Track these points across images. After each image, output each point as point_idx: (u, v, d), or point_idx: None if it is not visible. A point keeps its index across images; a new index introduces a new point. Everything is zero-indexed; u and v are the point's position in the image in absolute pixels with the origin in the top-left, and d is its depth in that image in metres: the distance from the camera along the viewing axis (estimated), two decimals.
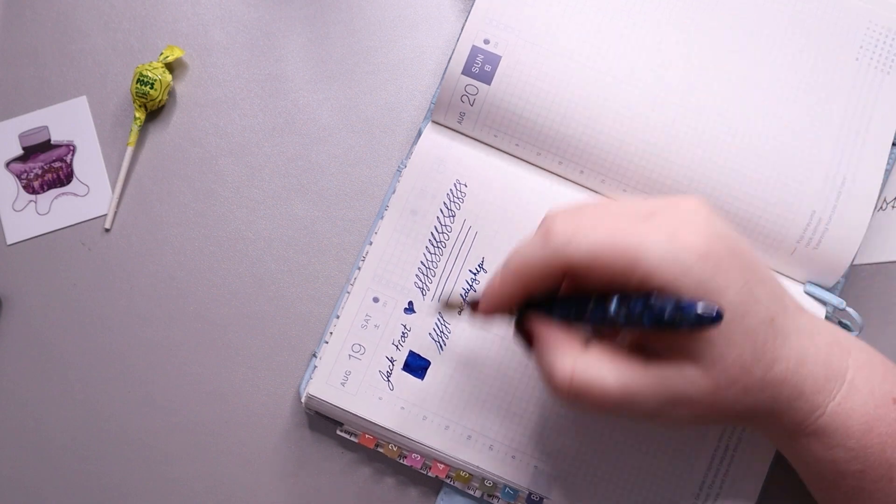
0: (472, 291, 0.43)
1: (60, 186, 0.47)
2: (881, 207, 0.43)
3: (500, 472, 0.42)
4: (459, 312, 0.39)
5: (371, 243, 0.44)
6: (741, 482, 0.42)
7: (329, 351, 0.43)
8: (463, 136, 0.44)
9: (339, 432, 0.44)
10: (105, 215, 0.46)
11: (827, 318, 0.42)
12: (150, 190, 0.47)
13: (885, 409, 0.34)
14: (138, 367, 0.45)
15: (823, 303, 0.42)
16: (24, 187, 0.47)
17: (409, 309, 0.43)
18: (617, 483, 0.42)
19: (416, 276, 0.43)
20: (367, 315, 0.43)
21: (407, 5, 0.47)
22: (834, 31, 0.43)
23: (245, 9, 0.48)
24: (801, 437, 0.35)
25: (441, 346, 0.43)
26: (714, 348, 0.31)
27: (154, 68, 0.46)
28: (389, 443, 0.43)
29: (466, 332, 0.43)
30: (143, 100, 0.46)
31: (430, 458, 0.42)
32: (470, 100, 0.43)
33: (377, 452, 0.43)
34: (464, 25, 0.43)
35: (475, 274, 0.43)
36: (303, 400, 0.43)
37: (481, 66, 0.43)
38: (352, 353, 0.43)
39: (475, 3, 0.43)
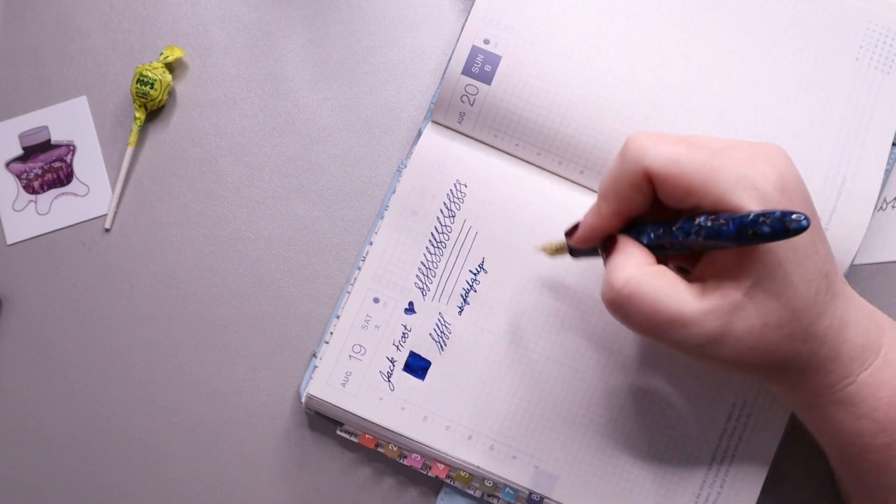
0: (472, 292, 0.43)
1: (60, 186, 0.47)
2: (881, 207, 0.43)
3: (501, 472, 0.42)
4: (554, 252, 0.38)
5: (371, 243, 0.44)
6: (742, 482, 0.42)
7: (329, 351, 0.43)
8: (463, 136, 0.44)
9: (339, 432, 0.44)
10: (105, 215, 0.46)
11: None
12: (150, 190, 0.47)
13: None
14: (138, 367, 0.45)
15: None
16: (24, 187, 0.47)
17: (410, 309, 0.43)
18: (618, 483, 0.42)
19: (417, 276, 0.43)
20: (367, 315, 0.43)
21: (407, 5, 0.47)
22: (834, 31, 0.43)
23: (245, 9, 0.48)
24: (829, 404, 0.35)
25: (441, 347, 0.43)
26: (772, 285, 0.32)
27: (154, 68, 0.46)
28: (389, 443, 0.43)
29: (467, 332, 0.43)
30: (143, 100, 0.46)
31: (431, 458, 0.42)
32: (470, 100, 0.43)
33: (377, 452, 0.43)
34: (464, 25, 0.43)
35: (475, 274, 0.43)
36: (303, 400, 0.43)
37: (481, 66, 0.43)
38: (352, 354, 0.43)
39: (475, 3, 0.43)
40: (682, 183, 0.32)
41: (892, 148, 0.42)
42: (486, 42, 0.43)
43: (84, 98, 0.47)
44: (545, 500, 0.42)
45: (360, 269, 0.43)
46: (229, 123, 0.47)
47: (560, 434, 0.42)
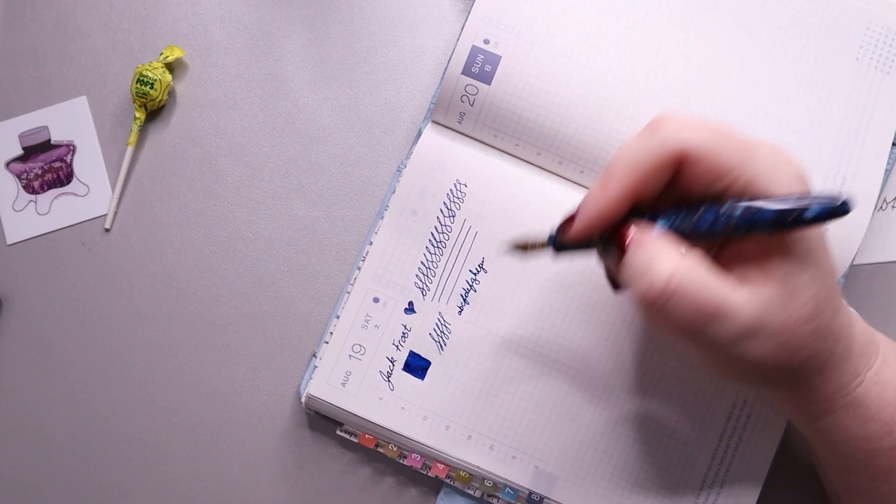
0: (472, 292, 0.43)
1: (60, 186, 0.47)
2: (881, 207, 0.43)
3: (501, 472, 0.42)
4: (530, 249, 0.36)
5: (371, 243, 0.44)
6: (742, 482, 0.42)
7: (329, 351, 0.43)
8: (463, 136, 0.44)
9: (339, 432, 0.44)
10: (105, 215, 0.46)
11: None
12: (150, 190, 0.47)
13: None
14: (138, 367, 0.45)
15: None
16: (24, 187, 0.47)
17: (410, 309, 0.43)
18: (617, 483, 0.42)
19: (417, 276, 0.43)
20: (367, 315, 0.43)
21: (407, 5, 0.47)
22: (834, 31, 0.43)
23: (245, 9, 0.48)
24: (839, 409, 0.34)
25: (441, 347, 0.43)
26: (803, 275, 0.31)
27: (154, 68, 0.46)
28: (389, 443, 0.43)
29: (467, 332, 0.43)
30: (143, 100, 0.46)
31: (431, 458, 0.42)
32: (470, 100, 0.43)
33: (377, 452, 0.43)
34: (464, 25, 0.43)
35: (475, 274, 0.43)
36: (303, 400, 0.43)
37: (481, 66, 0.43)
38: (352, 354, 0.43)
39: (475, 3, 0.43)
40: (717, 165, 0.31)
41: (891, 148, 0.42)
42: (486, 42, 0.43)
43: (84, 98, 0.47)
44: (545, 500, 0.42)
45: (360, 269, 0.43)
46: (229, 123, 0.47)
47: (560, 434, 0.42)
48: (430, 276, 0.43)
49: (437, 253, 0.43)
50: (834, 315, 0.32)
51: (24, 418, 0.45)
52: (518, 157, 0.44)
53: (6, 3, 0.48)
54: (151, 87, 0.46)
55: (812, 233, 0.31)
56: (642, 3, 0.43)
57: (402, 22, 0.47)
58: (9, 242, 0.46)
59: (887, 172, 0.42)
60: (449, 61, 0.43)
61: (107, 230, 0.46)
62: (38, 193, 0.47)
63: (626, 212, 0.33)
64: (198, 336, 0.45)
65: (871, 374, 0.34)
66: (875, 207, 0.42)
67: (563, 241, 0.34)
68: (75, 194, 0.47)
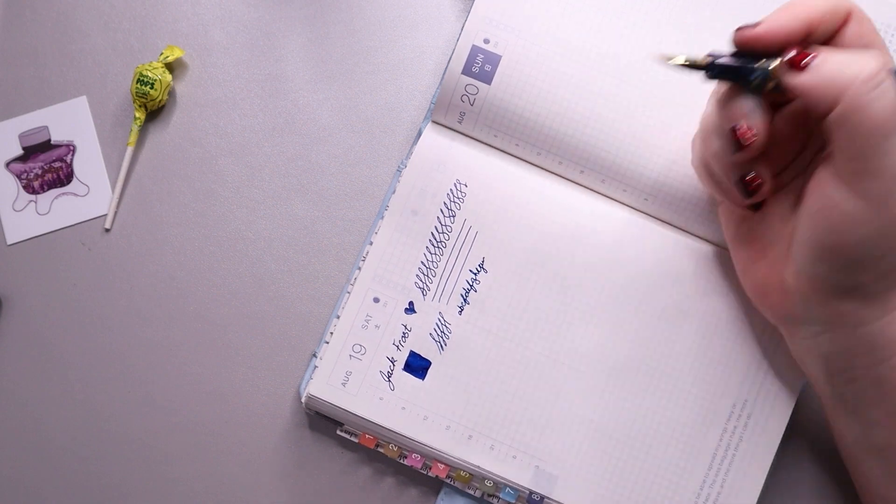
0: (472, 291, 0.43)
1: (60, 186, 0.47)
2: None
3: (501, 472, 0.42)
4: (684, 64, 0.35)
5: (371, 243, 0.44)
6: (742, 482, 0.42)
7: (329, 351, 0.43)
8: (463, 136, 0.44)
9: (339, 432, 0.44)
10: (105, 215, 0.46)
11: None
12: (150, 190, 0.47)
13: None
14: (138, 367, 0.45)
15: None
16: (24, 187, 0.47)
17: (410, 309, 0.43)
18: (618, 483, 0.42)
19: (417, 276, 0.43)
20: (367, 315, 0.43)
21: (407, 5, 0.47)
22: None
23: (245, 9, 0.48)
24: None
25: (442, 347, 0.43)
26: None
27: (154, 68, 0.46)
28: (390, 443, 0.43)
29: (467, 331, 0.43)
30: (143, 100, 0.46)
31: (431, 458, 0.42)
32: (470, 99, 0.43)
33: (377, 452, 0.43)
34: (464, 25, 0.43)
35: (475, 274, 0.43)
36: (303, 400, 0.43)
37: (481, 66, 0.43)
38: (352, 354, 0.43)
39: (475, 3, 0.43)
40: (867, 33, 0.34)
41: None
42: (486, 42, 0.43)
43: (84, 98, 0.47)
44: (545, 499, 0.42)
45: (360, 269, 0.43)
46: (229, 123, 0.47)
47: (560, 434, 0.42)
48: (430, 275, 0.43)
49: (438, 253, 0.43)
50: None
51: (24, 418, 0.45)
52: (518, 157, 0.44)
53: (6, 3, 0.48)
54: (151, 87, 0.46)
55: None
56: (642, 3, 0.43)
57: (402, 22, 0.47)
58: (9, 242, 0.46)
59: None
60: (449, 61, 0.43)
61: (107, 230, 0.46)
62: (38, 193, 0.47)
63: (799, 39, 0.33)
64: (198, 336, 0.45)
65: None
66: None
67: (742, 38, 0.34)
68: (75, 194, 0.47)
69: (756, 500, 0.42)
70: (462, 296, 0.43)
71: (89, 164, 0.47)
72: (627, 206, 0.43)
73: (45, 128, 0.47)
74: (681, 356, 0.42)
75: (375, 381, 0.42)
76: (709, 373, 0.42)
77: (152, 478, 0.45)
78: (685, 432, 0.42)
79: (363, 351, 0.43)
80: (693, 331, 0.42)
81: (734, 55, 0.34)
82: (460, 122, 0.44)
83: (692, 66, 0.34)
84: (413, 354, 0.43)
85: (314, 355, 0.44)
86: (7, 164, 0.47)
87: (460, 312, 0.43)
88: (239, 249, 0.46)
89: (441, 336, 0.43)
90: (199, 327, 0.45)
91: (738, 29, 0.34)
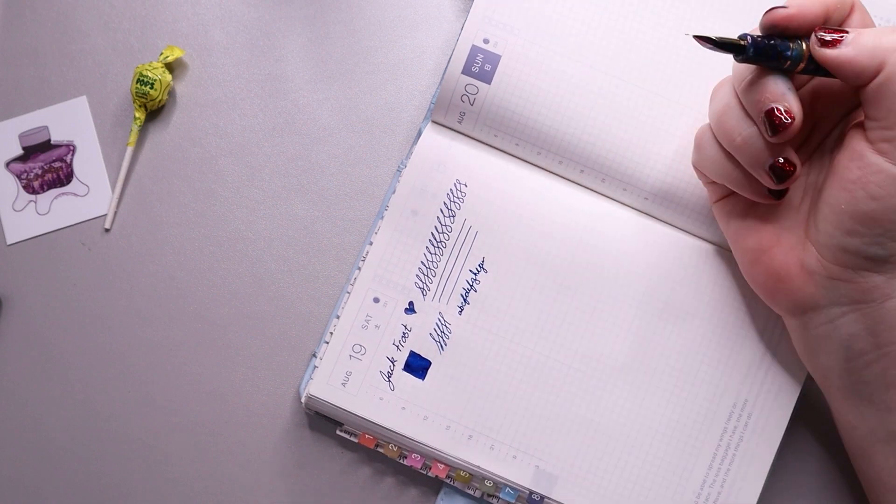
0: (472, 291, 0.43)
1: (60, 186, 0.47)
2: None
3: (501, 472, 0.42)
4: (717, 44, 0.34)
5: (371, 243, 0.44)
6: (743, 482, 0.42)
7: (329, 351, 0.43)
8: (463, 136, 0.44)
9: (339, 432, 0.44)
10: (105, 215, 0.46)
11: None
12: (150, 190, 0.47)
13: None
14: (138, 367, 0.45)
15: None
16: (24, 187, 0.47)
17: (410, 309, 0.43)
18: (618, 482, 0.42)
19: (417, 276, 0.43)
20: (367, 315, 0.43)
21: (407, 5, 0.47)
22: None
23: (245, 9, 0.48)
24: None
25: (442, 347, 0.43)
26: None
27: (154, 68, 0.46)
28: (390, 443, 0.43)
29: (467, 331, 0.43)
30: (143, 100, 0.46)
31: (431, 458, 0.42)
32: (470, 99, 0.43)
33: (377, 452, 0.43)
34: (463, 25, 0.43)
35: (475, 273, 0.43)
36: (303, 400, 0.43)
37: (481, 66, 0.43)
38: (352, 354, 0.43)
39: (475, 3, 0.43)
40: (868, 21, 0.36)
41: None
42: (486, 41, 0.43)
43: (84, 98, 0.47)
44: (545, 499, 0.42)
45: (360, 269, 0.43)
46: (229, 123, 0.47)
47: (560, 434, 0.42)
48: (430, 275, 0.43)
49: (438, 253, 0.43)
50: None
51: (24, 418, 0.45)
52: (518, 157, 0.44)
53: (6, 3, 0.48)
54: (151, 87, 0.46)
55: None
56: (643, 3, 0.43)
57: (402, 22, 0.47)
58: (9, 242, 0.46)
59: None
60: (449, 61, 0.43)
61: (107, 230, 0.46)
62: (38, 193, 0.47)
63: (821, 23, 0.34)
64: (198, 336, 0.45)
65: None
66: None
67: (774, 18, 0.34)
68: (75, 194, 0.47)
69: (756, 499, 0.41)
70: (462, 296, 0.43)
71: (89, 164, 0.47)
72: (627, 205, 0.43)
73: (45, 128, 0.47)
74: (681, 356, 0.42)
75: (375, 381, 0.42)
76: (709, 372, 0.42)
77: (152, 478, 0.45)
78: (685, 432, 0.42)
79: (363, 351, 0.43)
80: (693, 330, 0.42)
81: (762, 38, 0.35)
82: (460, 122, 0.44)
83: (727, 46, 0.34)
84: (413, 354, 0.43)
85: (314, 355, 0.44)
86: (7, 164, 0.47)
87: (460, 312, 0.43)
88: (239, 249, 0.46)
89: (441, 336, 0.43)
90: (199, 327, 0.45)
91: (770, 10, 0.34)
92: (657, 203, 0.43)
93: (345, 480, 0.44)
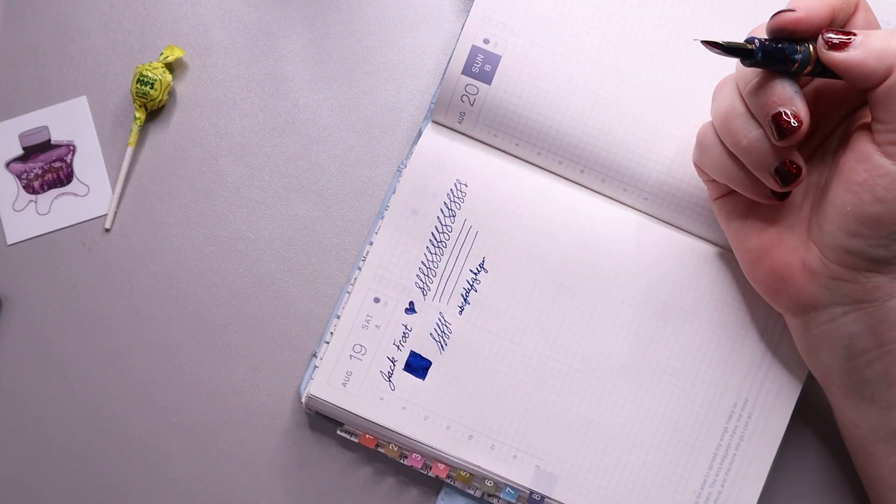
0: (472, 291, 0.43)
1: (60, 186, 0.47)
2: None
3: (502, 472, 0.42)
4: (724, 48, 0.34)
5: (371, 243, 0.44)
6: (743, 481, 0.42)
7: (330, 351, 0.43)
8: (463, 136, 0.44)
9: (339, 432, 0.44)
10: (105, 215, 0.46)
11: None
12: (150, 190, 0.47)
13: None
14: (138, 367, 0.45)
15: None
16: (24, 187, 0.47)
17: (410, 309, 0.43)
18: (618, 482, 0.42)
19: (417, 275, 0.43)
20: (367, 315, 0.43)
21: (407, 5, 0.47)
22: None
23: (245, 9, 0.48)
24: None
25: (442, 347, 0.43)
26: None
27: (154, 68, 0.46)
28: (390, 443, 0.43)
29: (467, 331, 0.43)
30: (143, 100, 0.46)
31: (431, 457, 0.42)
32: (470, 99, 0.43)
33: (377, 452, 0.43)
34: (463, 25, 0.43)
35: (476, 273, 0.43)
36: (303, 400, 0.43)
37: (481, 66, 0.43)
38: (353, 354, 0.43)
39: (475, 3, 0.43)
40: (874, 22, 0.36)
41: None
42: (486, 42, 0.43)
43: (84, 98, 0.47)
44: (546, 499, 0.42)
45: (360, 269, 0.43)
46: (229, 123, 0.47)
47: (561, 433, 0.42)
48: (430, 275, 0.43)
49: (438, 253, 0.43)
50: None
51: (24, 418, 0.45)
52: (518, 157, 0.44)
53: (6, 3, 0.48)
54: (151, 87, 0.45)
55: None
56: (643, 4, 0.43)
57: (402, 22, 0.47)
58: (9, 242, 0.46)
59: None
60: (449, 61, 0.43)
61: (107, 230, 0.46)
62: (38, 193, 0.47)
63: (827, 25, 0.34)
64: (198, 336, 0.45)
65: None
66: None
67: (781, 22, 0.34)
68: (75, 194, 0.47)
69: (757, 499, 0.42)
70: (462, 296, 0.43)
71: (89, 164, 0.47)
72: (628, 206, 0.44)
73: (45, 128, 0.47)
74: (681, 356, 0.42)
75: (376, 381, 0.42)
76: (709, 372, 0.42)
77: (152, 478, 0.45)
78: (686, 432, 0.42)
79: (363, 351, 0.43)
80: (693, 330, 0.42)
81: (770, 41, 0.34)
82: (460, 122, 0.44)
83: (735, 51, 0.34)
84: (413, 354, 0.43)
85: (314, 355, 0.44)
86: (7, 164, 0.47)
87: (461, 312, 0.43)
88: (239, 249, 0.46)
89: (441, 336, 0.43)
90: (199, 327, 0.45)
91: (777, 14, 0.34)
92: (657, 203, 0.43)
93: (345, 480, 0.44)
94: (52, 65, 0.47)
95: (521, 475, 0.42)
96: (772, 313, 0.42)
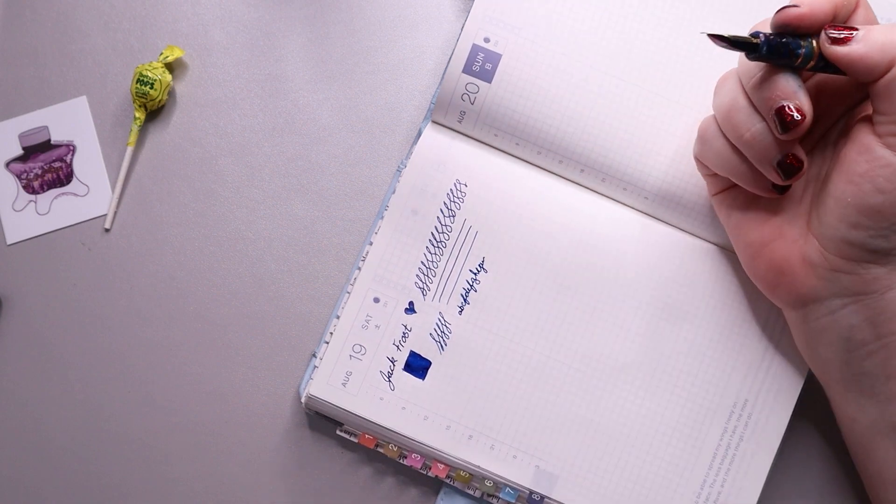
0: (472, 291, 0.43)
1: (60, 186, 0.47)
2: None
3: (501, 472, 0.42)
4: (730, 42, 0.34)
5: (371, 243, 0.44)
6: (743, 481, 0.42)
7: (329, 351, 0.43)
8: (463, 136, 0.44)
9: (339, 432, 0.44)
10: (105, 215, 0.46)
11: None
12: (150, 190, 0.47)
13: None
14: (138, 367, 0.45)
15: None
16: (24, 187, 0.47)
17: (410, 309, 0.43)
18: (618, 482, 0.42)
19: (417, 275, 0.43)
20: (367, 315, 0.43)
21: (407, 5, 0.47)
22: None
23: (245, 9, 0.48)
24: None
25: (442, 347, 0.43)
26: None
27: (154, 68, 0.46)
28: (390, 443, 0.43)
29: (467, 331, 0.43)
30: (143, 100, 0.46)
31: (431, 457, 0.42)
32: (470, 98, 0.43)
33: (377, 452, 0.43)
34: (464, 24, 0.43)
35: (475, 273, 0.43)
36: (303, 400, 0.43)
37: (482, 65, 0.43)
38: (352, 354, 0.43)
39: (475, 2, 0.43)
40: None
41: None
42: (487, 40, 0.43)
43: (84, 98, 0.47)
44: (546, 499, 0.42)
45: (360, 269, 0.43)
46: (229, 123, 0.47)
47: (561, 433, 0.42)
48: (430, 275, 0.43)
49: (438, 253, 0.43)
50: None
51: (24, 418, 0.45)
52: (518, 157, 0.44)
53: (6, 3, 0.48)
54: (151, 87, 0.46)
55: None
56: (643, 3, 0.43)
57: (402, 22, 0.47)
58: (9, 242, 0.46)
59: None
60: (449, 60, 0.43)
61: (107, 230, 0.46)
62: (38, 193, 0.47)
63: (830, 21, 0.35)
64: (198, 336, 0.45)
65: None
66: None
67: (786, 17, 0.34)
68: (75, 194, 0.47)
69: (757, 499, 0.41)
70: (462, 296, 0.43)
71: (89, 164, 0.47)
72: (628, 205, 0.43)
73: (45, 128, 0.47)
74: (681, 356, 0.42)
75: (375, 381, 0.42)
76: (709, 372, 0.42)
77: (152, 478, 0.45)
78: (685, 432, 0.42)
79: (363, 351, 0.43)
80: (693, 330, 0.42)
81: (774, 36, 0.35)
82: (460, 122, 0.44)
83: (740, 44, 0.34)
84: (413, 354, 0.43)
85: (314, 355, 0.44)
86: (7, 164, 0.47)
87: (460, 312, 0.43)
88: (239, 249, 0.46)
89: (441, 336, 0.43)
90: (199, 327, 0.45)
91: (781, 10, 0.35)
92: (657, 203, 0.43)
93: (345, 480, 0.44)
94: (52, 65, 0.47)
95: (520, 475, 0.42)
96: (771, 313, 0.42)
